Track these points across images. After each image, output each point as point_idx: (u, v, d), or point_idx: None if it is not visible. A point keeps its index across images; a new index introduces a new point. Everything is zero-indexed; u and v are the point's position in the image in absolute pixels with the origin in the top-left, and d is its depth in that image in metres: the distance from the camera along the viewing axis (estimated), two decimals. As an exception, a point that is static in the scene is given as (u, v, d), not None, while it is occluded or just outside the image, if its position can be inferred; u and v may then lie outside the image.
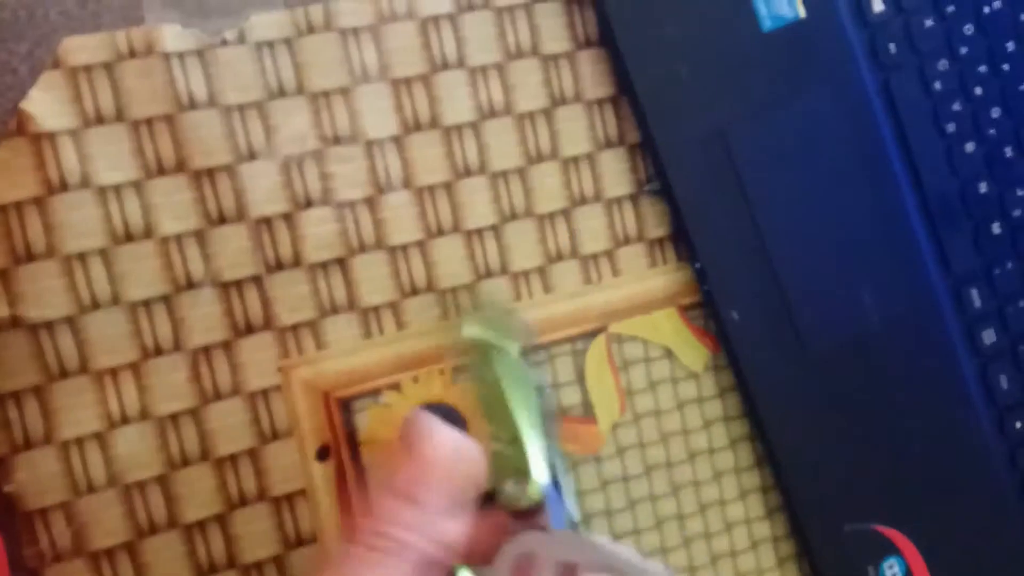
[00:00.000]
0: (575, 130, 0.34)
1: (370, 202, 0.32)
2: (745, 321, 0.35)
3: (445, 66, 0.33)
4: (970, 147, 0.38)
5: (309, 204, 0.31)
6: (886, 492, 0.37)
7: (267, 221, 0.31)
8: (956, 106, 0.38)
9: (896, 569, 0.36)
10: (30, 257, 0.28)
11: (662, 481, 0.36)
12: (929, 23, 0.38)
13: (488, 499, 0.24)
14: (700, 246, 0.35)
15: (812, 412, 0.36)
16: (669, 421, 0.36)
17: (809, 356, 0.36)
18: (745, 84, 0.35)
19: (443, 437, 0.23)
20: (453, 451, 0.22)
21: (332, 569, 0.20)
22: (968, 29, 0.38)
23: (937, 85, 0.37)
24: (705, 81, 0.35)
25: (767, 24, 0.35)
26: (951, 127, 0.38)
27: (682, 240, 0.36)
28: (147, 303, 0.30)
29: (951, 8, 0.38)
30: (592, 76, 0.35)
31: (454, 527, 0.22)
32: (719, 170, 0.35)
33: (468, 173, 0.33)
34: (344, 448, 0.31)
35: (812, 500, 0.36)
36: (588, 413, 0.35)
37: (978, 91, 0.38)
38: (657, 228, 0.36)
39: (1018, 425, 0.38)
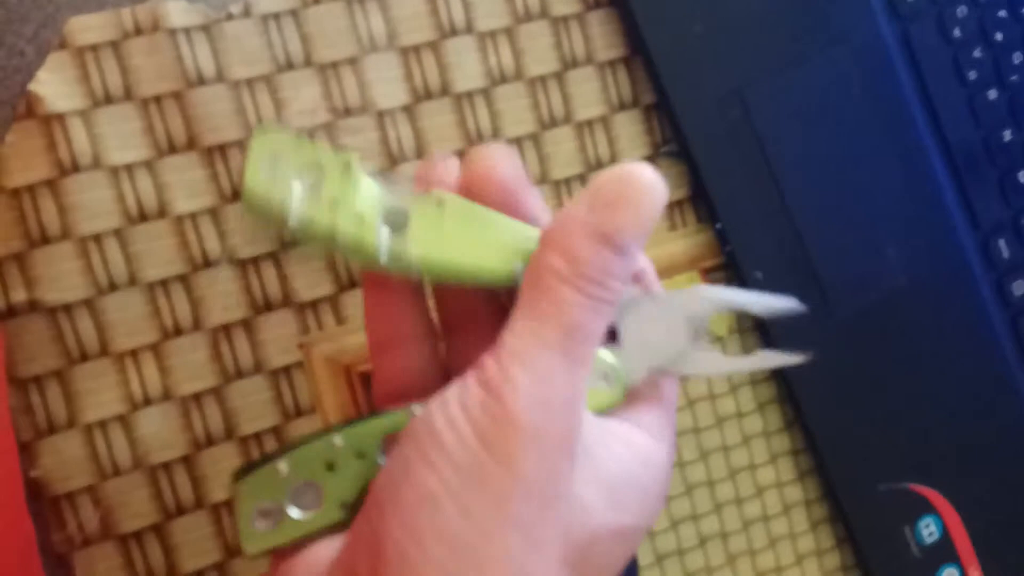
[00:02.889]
0: (588, 93, 0.34)
1: (383, 174, 0.31)
2: (769, 281, 0.35)
3: (453, 32, 0.32)
4: (992, 94, 0.37)
5: (322, 178, 0.31)
6: (920, 450, 0.36)
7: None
8: (977, 53, 0.37)
9: (932, 528, 0.36)
10: (45, 240, 0.28)
11: (691, 447, 0.35)
12: (946, -30, 0.37)
13: None
14: (720, 207, 0.34)
15: (842, 372, 0.35)
16: (696, 386, 0.35)
17: (836, 315, 0.35)
18: (761, 40, 0.35)
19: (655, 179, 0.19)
20: (661, 191, 0.19)
21: (556, 312, 0.18)
22: (986, -26, 0.37)
23: (956, 32, 0.37)
24: (720, 38, 0.34)
25: (780, -24, 0.35)
26: (972, 75, 0.37)
27: (701, 202, 0.35)
28: (164, 283, 0.29)
29: (968, -47, 0.37)
30: (603, 37, 0.34)
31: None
32: (737, 129, 0.34)
33: (481, 140, 0.33)
34: (368, 423, 0.31)
35: (844, 461, 0.35)
36: (613, 380, 0.34)
37: (998, 36, 0.37)
38: (676, 190, 0.35)
39: (1052, 378, 0.38)
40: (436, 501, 0.16)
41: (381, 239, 0.19)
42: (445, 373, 0.24)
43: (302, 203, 0.19)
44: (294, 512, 0.19)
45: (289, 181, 0.19)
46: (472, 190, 0.21)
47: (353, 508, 0.19)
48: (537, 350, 0.18)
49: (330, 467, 0.19)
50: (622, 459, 0.19)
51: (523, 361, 0.17)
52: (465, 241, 0.20)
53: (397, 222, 0.20)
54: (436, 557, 0.16)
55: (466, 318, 0.24)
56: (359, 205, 0.19)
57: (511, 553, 0.16)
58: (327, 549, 0.19)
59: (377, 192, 0.20)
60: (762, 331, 0.35)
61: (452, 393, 0.18)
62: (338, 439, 0.19)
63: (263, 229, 0.20)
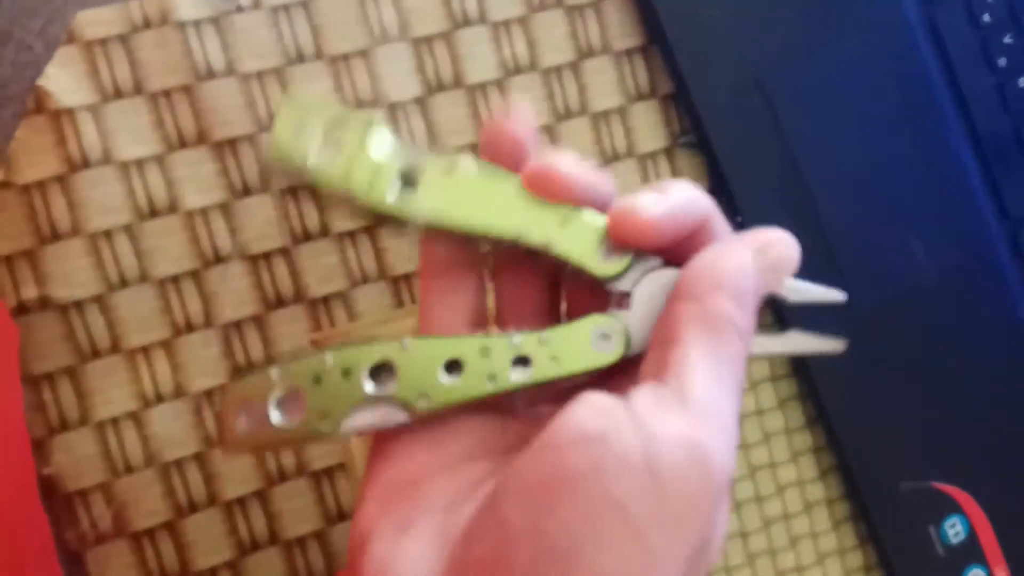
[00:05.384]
0: (604, 83, 0.33)
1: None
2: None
3: (466, 22, 0.32)
4: (1023, 82, 0.36)
5: (334, 172, 0.30)
6: (945, 448, 0.35)
7: (292, 191, 0.30)
8: (1007, 39, 0.36)
9: (959, 528, 0.35)
10: (56, 236, 0.28)
11: (709, 444, 0.34)
12: (975, -48, 0.35)
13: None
14: (741, 199, 0.34)
15: (866, 367, 0.35)
16: (714, 382, 0.34)
17: (860, 309, 0.34)
18: (781, 26, 0.34)
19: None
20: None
21: (734, 363, 0.18)
22: (1017, -44, 0.36)
23: (985, 17, 0.35)
24: (739, 24, 0.33)
25: (802, -39, 0.34)
26: (1002, 61, 0.36)
27: (721, 194, 0.34)
28: (176, 279, 0.29)
29: (998, -65, 0.36)
30: (619, 26, 0.33)
31: None
32: (758, 119, 0.34)
33: (495, 133, 0.32)
34: (381, 420, 0.31)
35: (868, 459, 0.35)
36: (630, 376, 0.33)
37: (1030, 22, 0.36)
38: (694, 182, 0.34)
39: (1084, 373, 0.36)
40: (619, 542, 0.16)
41: (392, 189, 0.20)
42: None
43: (322, 151, 0.20)
44: (275, 416, 0.20)
45: (312, 133, 0.20)
46: (488, 143, 0.21)
47: (333, 420, 0.20)
48: (724, 402, 0.18)
49: (317, 380, 0.20)
50: None
51: (717, 419, 0.17)
52: (472, 200, 0.20)
53: (411, 177, 0.21)
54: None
55: (525, 310, 0.23)
56: (376, 157, 0.21)
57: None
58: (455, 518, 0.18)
59: (396, 149, 0.21)
60: (782, 327, 0.34)
61: (630, 455, 0.16)
62: (329, 358, 0.20)
63: (285, 179, 0.21)
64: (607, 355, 0.20)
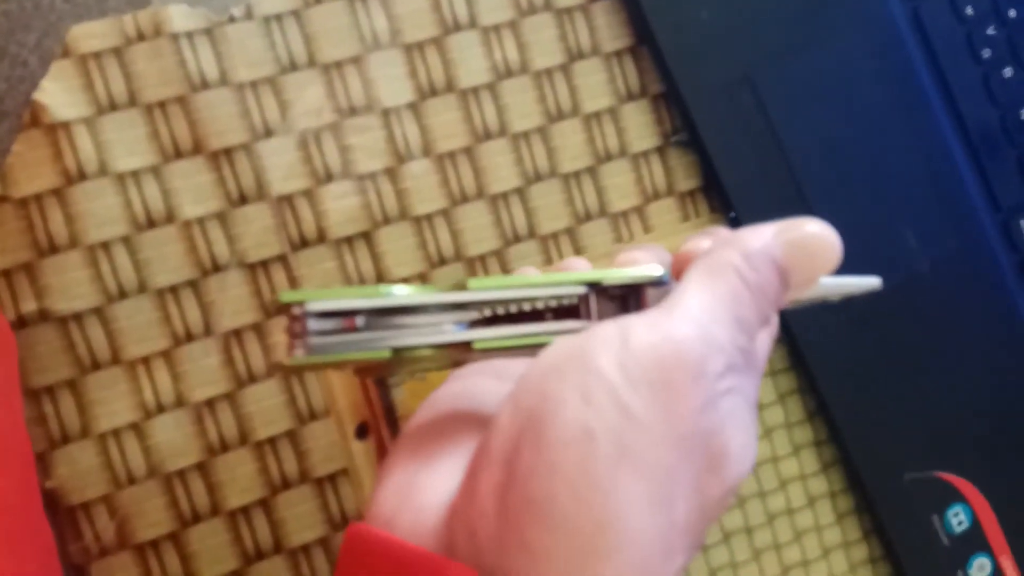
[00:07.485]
0: (595, 84, 0.33)
1: (391, 172, 0.31)
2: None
3: (457, 27, 0.32)
4: (1008, 72, 0.36)
5: (330, 178, 0.31)
6: (947, 438, 0.35)
7: (289, 198, 0.30)
8: (990, 31, 0.36)
9: (962, 516, 0.35)
10: (53, 249, 0.28)
11: (711, 440, 0.34)
12: (956, -53, 0.36)
13: None
14: (733, 195, 0.34)
15: (864, 360, 0.35)
16: (714, 378, 0.35)
17: (856, 303, 0.34)
18: (769, 24, 0.34)
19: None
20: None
21: (729, 294, 0.19)
22: (997, -50, 0.36)
23: (969, 10, 0.36)
24: (727, 23, 0.34)
25: (786, -41, 0.34)
26: (987, 53, 0.36)
27: (714, 190, 0.35)
28: (174, 289, 0.29)
29: (978, -71, 0.36)
30: (609, 27, 0.34)
31: None
32: (748, 116, 0.34)
33: (488, 136, 0.32)
34: (383, 425, 0.31)
35: (869, 451, 0.35)
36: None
37: (1012, 13, 0.36)
38: (687, 180, 0.35)
39: (1080, 359, 0.37)
40: (593, 440, 0.16)
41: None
42: None
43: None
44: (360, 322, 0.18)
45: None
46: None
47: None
48: (712, 317, 0.18)
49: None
50: None
51: (696, 321, 0.18)
52: (517, 279, 0.20)
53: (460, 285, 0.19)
54: (585, 496, 0.16)
55: None
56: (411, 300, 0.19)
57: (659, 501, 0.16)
58: (436, 495, 0.18)
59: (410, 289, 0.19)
60: (780, 321, 0.35)
61: (610, 336, 0.17)
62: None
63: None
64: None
